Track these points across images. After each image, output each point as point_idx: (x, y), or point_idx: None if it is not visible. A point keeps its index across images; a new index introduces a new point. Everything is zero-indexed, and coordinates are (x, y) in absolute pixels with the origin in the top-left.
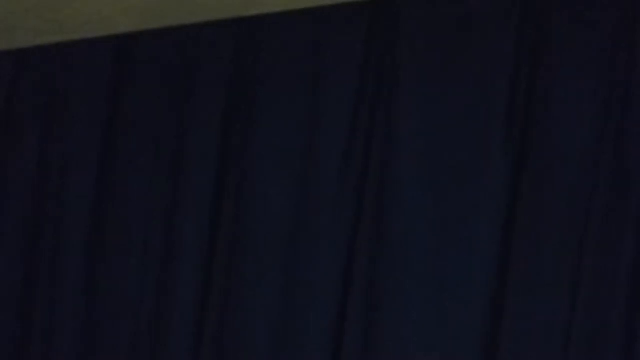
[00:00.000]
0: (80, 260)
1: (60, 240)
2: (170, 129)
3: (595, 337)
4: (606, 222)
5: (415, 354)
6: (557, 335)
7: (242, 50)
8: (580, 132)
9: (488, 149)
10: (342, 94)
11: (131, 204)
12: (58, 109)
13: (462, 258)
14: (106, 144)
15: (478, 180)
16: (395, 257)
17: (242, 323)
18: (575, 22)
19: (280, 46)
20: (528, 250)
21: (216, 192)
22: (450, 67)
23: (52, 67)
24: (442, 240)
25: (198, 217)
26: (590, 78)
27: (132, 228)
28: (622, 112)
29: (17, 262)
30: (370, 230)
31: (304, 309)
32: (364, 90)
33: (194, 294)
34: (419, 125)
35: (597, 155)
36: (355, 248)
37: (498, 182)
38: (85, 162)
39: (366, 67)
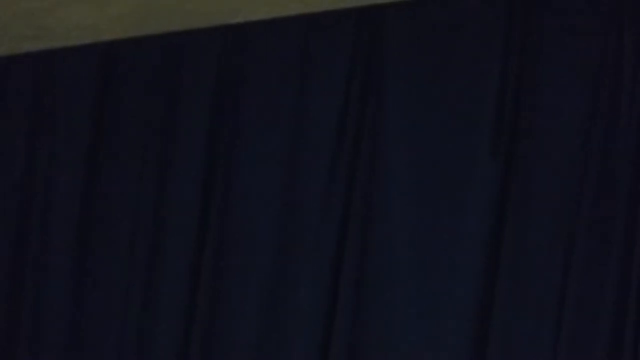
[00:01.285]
0: (67, 263)
1: (47, 244)
2: (156, 136)
3: (584, 334)
4: (594, 225)
5: (405, 352)
6: (547, 339)
7: (229, 57)
8: (568, 136)
9: (476, 154)
10: (328, 100)
11: (118, 210)
12: (44, 116)
13: (450, 262)
14: (93, 151)
15: (466, 186)
16: (383, 263)
17: (229, 322)
18: (562, 26)
19: (267, 53)
20: (517, 255)
21: (203, 197)
22: (437, 72)
23: (38, 74)
24: (430, 246)
25: (185, 220)
26: (577, 83)
27: (118, 231)
28: (609, 117)
29: (3, 263)
30: (357, 235)
31: (292, 309)
32: (351, 97)
33: (181, 294)
34: (407, 131)
35: (584, 160)
36: (343, 253)
37: (486, 187)
38: (72, 169)
39: (353, 74)
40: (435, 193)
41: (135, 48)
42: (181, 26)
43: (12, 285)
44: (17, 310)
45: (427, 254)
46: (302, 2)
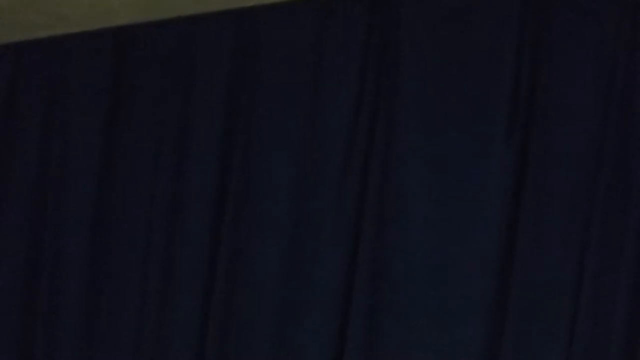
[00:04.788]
0: (82, 259)
1: (62, 232)
2: (171, 121)
3: (599, 330)
4: (610, 210)
5: (417, 350)
6: (560, 333)
7: (243, 40)
8: (583, 122)
9: (491, 141)
10: (343, 84)
11: (134, 196)
12: (59, 102)
13: (466, 247)
14: (107, 136)
15: (481, 172)
16: (398, 249)
17: (244, 326)
18: (577, 13)
19: (281, 36)
20: (532, 240)
21: (219, 186)
22: (452, 57)
23: (52, 60)
24: (445, 231)
25: (201, 212)
26: (592, 68)
27: (135, 216)
28: (624, 101)
29: (19, 259)
30: (373, 224)
31: (307, 310)
32: (366, 81)
33: (197, 289)
34: (422, 116)
35: (599, 146)
36: (359, 243)
37: (501, 172)
38: (87, 155)
39: (367, 58)
40: (451, 178)
41: (149, 32)
42: (195, 10)
43: (28, 273)
44: (33, 300)
45: (442, 238)
46: None
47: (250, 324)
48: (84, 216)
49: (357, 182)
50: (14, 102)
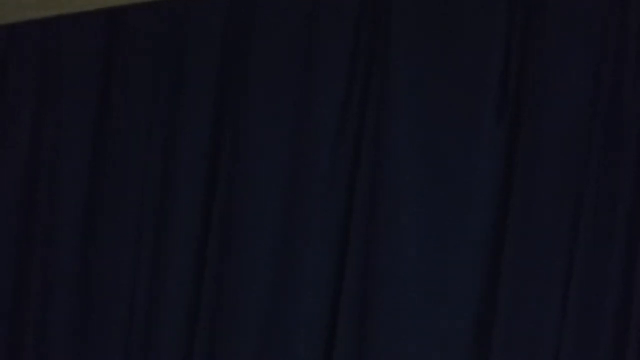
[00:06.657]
0: (74, 238)
1: (54, 221)
2: (163, 103)
3: (591, 301)
4: (601, 187)
5: (409, 341)
6: (551, 323)
7: (235, 24)
8: (573, 105)
9: (480, 124)
10: (335, 66)
11: (125, 177)
12: (51, 84)
13: (458, 229)
14: (100, 118)
15: (472, 152)
16: (388, 239)
17: (234, 308)
18: None
19: (274, 21)
20: (524, 220)
21: (209, 169)
22: (442, 39)
23: (44, 42)
24: (437, 215)
25: (192, 194)
26: (582, 50)
27: (126, 205)
28: (614, 78)
29: (11, 231)
30: (363, 211)
31: (297, 299)
32: (357, 64)
33: (187, 276)
34: (413, 95)
35: (590, 128)
36: (349, 233)
37: (491, 157)
38: (80, 136)
39: (359, 42)
40: (440, 163)
41: (141, 13)
42: None
43: (20, 257)
44: (23, 286)
45: (433, 221)
46: None
47: (241, 311)
48: (76, 198)
49: (348, 165)
50: (5, 83)
